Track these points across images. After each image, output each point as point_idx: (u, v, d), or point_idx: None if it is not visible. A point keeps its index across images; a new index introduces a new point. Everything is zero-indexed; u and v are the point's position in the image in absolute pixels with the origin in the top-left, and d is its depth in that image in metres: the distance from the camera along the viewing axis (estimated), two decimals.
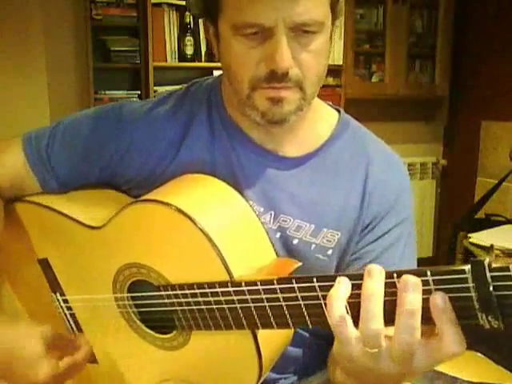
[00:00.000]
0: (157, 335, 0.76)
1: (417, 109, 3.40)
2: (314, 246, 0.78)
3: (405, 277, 0.50)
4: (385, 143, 0.86)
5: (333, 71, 3.02)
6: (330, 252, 0.78)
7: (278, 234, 0.77)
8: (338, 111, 0.85)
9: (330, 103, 0.87)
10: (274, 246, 0.74)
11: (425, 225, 3.46)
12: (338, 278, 0.54)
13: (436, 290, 0.49)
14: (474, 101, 3.22)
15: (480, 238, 2.56)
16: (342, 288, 0.53)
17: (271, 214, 0.78)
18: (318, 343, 0.86)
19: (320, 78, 0.73)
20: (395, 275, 0.51)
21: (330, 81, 3.04)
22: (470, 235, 2.61)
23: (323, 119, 0.83)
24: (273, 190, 0.78)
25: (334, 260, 0.78)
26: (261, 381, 0.69)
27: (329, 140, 0.81)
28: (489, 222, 2.78)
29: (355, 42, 3.09)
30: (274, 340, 0.72)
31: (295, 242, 0.78)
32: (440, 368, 1.61)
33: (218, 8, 0.70)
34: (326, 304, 0.53)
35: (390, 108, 3.31)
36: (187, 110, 0.82)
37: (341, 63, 2.99)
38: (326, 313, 0.53)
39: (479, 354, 1.90)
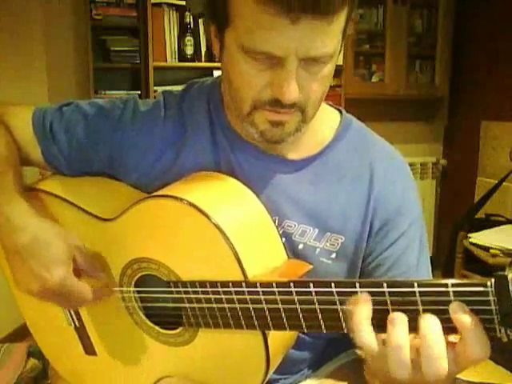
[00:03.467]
0: (161, 331, 0.76)
1: (417, 109, 3.40)
2: (318, 250, 0.77)
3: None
4: (387, 142, 0.85)
5: None
6: (333, 255, 0.77)
7: (283, 240, 0.76)
8: (340, 111, 0.84)
9: (331, 103, 0.86)
10: (284, 246, 0.74)
11: (425, 225, 3.45)
12: (359, 297, 0.54)
13: (456, 301, 0.50)
14: (474, 101, 3.22)
15: (480, 238, 2.56)
16: (365, 308, 0.54)
17: (275, 220, 0.77)
18: (323, 346, 0.86)
19: (321, 101, 0.72)
20: (416, 284, 0.52)
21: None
22: (470, 235, 2.61)
23: (325, 121, 0.81)
24: (276, 194, 0.78)
25: (339, 264, 0.78)
26: (266, 380, 0.69)
27: (331, 142, 0.80)
28: (489, 222, 2.79)
29: (355, 42, 3.09)
30: (280, 340, 0.71)
31: (300, 246, 0.77)
32: None
33: (227, 21, 0.66)
34: (346, 320, 0.55)
35: (390, 108, 3.31)
36: (186, 112, 0.82)
37: (341, 63, 2.98)
38: (353, 332, 0.54)
39: None
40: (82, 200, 0.81)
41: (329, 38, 0.63)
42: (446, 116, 3.37)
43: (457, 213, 3.00)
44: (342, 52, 2.85)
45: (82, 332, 0.85)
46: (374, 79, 3.25)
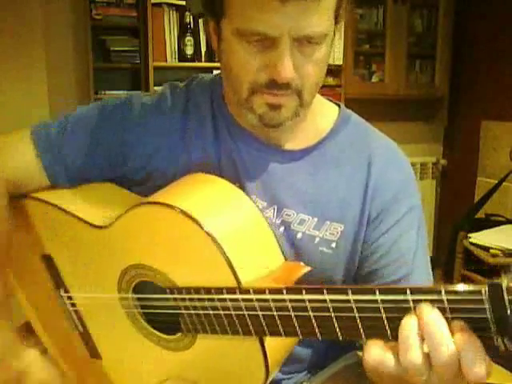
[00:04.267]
0: (162, 336, 0.76)
1: (417, 109, 3.40)
2: (317, 239, 0.78)
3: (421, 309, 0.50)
4: (387, 136, 0.85)
5: (333, 71, 3.01)
6: (333, 245, 0.78)
7: (282, 229, 0.77)
8: (338, 106, 0.86)
9: (331, 99, 0.87)
10: (281, 247, 0.74)
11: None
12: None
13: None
14: (474, 101, 3.22)
15: (480, 238, 2.56)
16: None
17: (274, 209, 0.78)
18: (326, 343, 0.86)
19: (318, 86, 0.73)
20: (408, 291, 0.50)
21: (330, 81, 3.03)
22: (470, 235, 2.61)
23: (324, 114, 0.83)
24: (275, 183, 0.79)
25: (339, 253, 0.78)
26: (268, 382, 0.69)
27: (330, 134, 0.81)
28: (489, 222, 2.79)
29: (355, 42, 3.09)
30: (280, 343, 0.71)
31: (299, 235, 0.78)
32: None
33: (223, 12, 0.69)
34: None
35: (390, 108, 3.31)
36: (191, 108, 0.83)
37: (341, 63, 2.98)
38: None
39: None
40: (77, 207, 0.81)
41: (319, 17, 0.65)
42: (446, 116, 3.36)
43: (457, 213, 3.00)
44: (342, 52, 2.84)
45: (86, 336, 0.85)
46: (374, 79, 3.25)
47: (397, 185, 0.80)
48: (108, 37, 2.80)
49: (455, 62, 3.28)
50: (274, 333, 0.61)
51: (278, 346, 0.70)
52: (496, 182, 2.87)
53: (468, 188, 3.24)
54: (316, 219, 0.78)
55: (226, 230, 0.67)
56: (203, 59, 2.87)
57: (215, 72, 2.76)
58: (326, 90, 2.96)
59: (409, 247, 0.78)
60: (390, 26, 3.12)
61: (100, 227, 0.77)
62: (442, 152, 3.55)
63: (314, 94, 0.74)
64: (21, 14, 2.61)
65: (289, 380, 0.85)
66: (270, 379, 0.70)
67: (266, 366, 0.66)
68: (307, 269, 0.68)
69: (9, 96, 2.46)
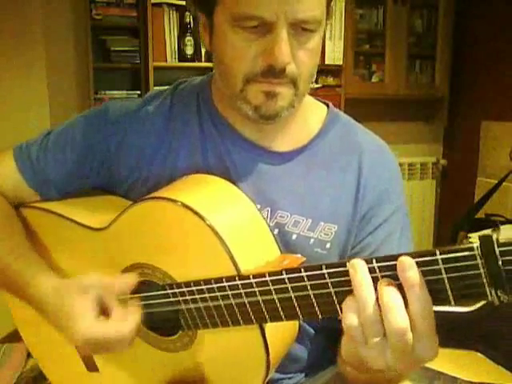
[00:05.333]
0: (161, 337, 0.75)
1: (417, 109, 3.40)
2: (312, 240, 0.78)
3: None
4: (374, 134, 0.87)
5: (333, 71, 3.01)
6: (328, 245, 0.78)
7: (276, 231, 0.77)
8: (327, 105, 0.86)
9: (320, 99, 0.88)
10: (278, 243, 0.74)
11: (425, 225, 3.46)
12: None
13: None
14: (474, 101, 3.22)
15: None
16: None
17: (268, 211, 0.78)
18: (323, 341, 0.86)
19: (312, 76, 0.74)
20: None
21: (330, 81, 3.03)
22: (469, 235, 2.61)
23: (313, 114, 0.84)
24: (267, 185, 0.79)
25: (333, 254, 0.78)
26: (268, 378, 0.69)
27: (319, 134, 0.82)
28: (489, 222, 2.78)
29: (355, 42, 3.08)
30: (280, 337, 0.71)
31: (294, 237, 0.78)
32: (440, 368, 1.62)
33: (215, 1, 0.69)
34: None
35: (390, 108, 3.31)
36: (176, 110, 0.82)
37: (341, 63, 2.98)
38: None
39: (479, 354, 1.90)
40: (73, 212, 0.81)
41: (315, 2, 0.66)
42: (446, 116, 3.36)
43: (457, 213, 3.00)
44: (342, 52, 2.85)
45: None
46: (374, 79, 3.24)
47: (386, 182, 0.81)
48: (108, 37, 2.80)
49: (455, 62, 3.27)
50: (275, 317, 0.61)
51: (277, 342, 0.70)
52: (496, 182, 2.87)
53: (468, 188, 3.24)
54: (310, 220, 0.78)
55: (226, 224, 0.67)
56: (203, 59, 2.87)
57: None
58: (325, 90, 2.96)
59: (393, 248, 0.78)
60: (390, 26, 3.11)
61: (97, 229, 0.77)
62: (442, 152, 3.55)
63: (308, 85, 0.74)
64: (21, 14, 2.61)
65: (289, 380, 0.85)
66: (270, 376, 0.70)
67: (267, 362, 0.67)
68: (303, 259, 0.68)
69: (9, 96, 2.46)
